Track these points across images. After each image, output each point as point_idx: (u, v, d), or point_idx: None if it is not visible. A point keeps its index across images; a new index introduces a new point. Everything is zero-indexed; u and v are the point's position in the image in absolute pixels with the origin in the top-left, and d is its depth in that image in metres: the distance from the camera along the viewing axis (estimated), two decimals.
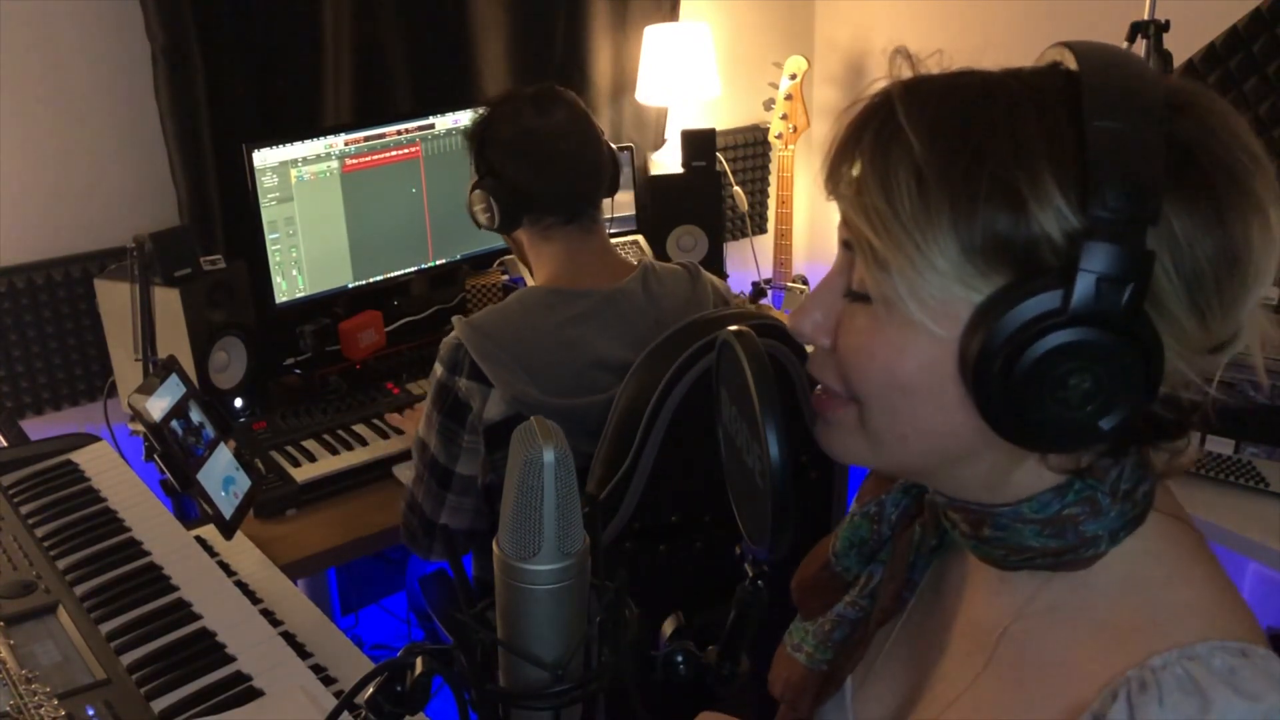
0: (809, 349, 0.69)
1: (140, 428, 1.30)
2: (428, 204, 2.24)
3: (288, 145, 2.00)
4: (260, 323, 2.03)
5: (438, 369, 1.56)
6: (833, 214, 0.65)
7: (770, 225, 2.89)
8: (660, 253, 2.56)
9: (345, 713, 0.69)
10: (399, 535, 1.72)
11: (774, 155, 2.72)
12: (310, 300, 2.12)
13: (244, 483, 1.39)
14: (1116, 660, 0.60)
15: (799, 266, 2.87)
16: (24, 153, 1.96)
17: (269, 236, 2.02)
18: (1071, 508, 0.62)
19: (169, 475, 1.30)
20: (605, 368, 1.55)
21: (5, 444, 1.68)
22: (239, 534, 1.38)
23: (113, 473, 1.55)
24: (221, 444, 1.37)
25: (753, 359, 0.66)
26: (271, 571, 1.43)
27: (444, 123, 2.22)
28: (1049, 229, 0.56)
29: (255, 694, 1.11)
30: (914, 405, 0.62)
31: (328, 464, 1.86)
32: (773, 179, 2.79)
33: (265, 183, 1.99)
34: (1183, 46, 2.07)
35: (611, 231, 2.40)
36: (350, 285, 2.17)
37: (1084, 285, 0.54)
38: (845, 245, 0.65)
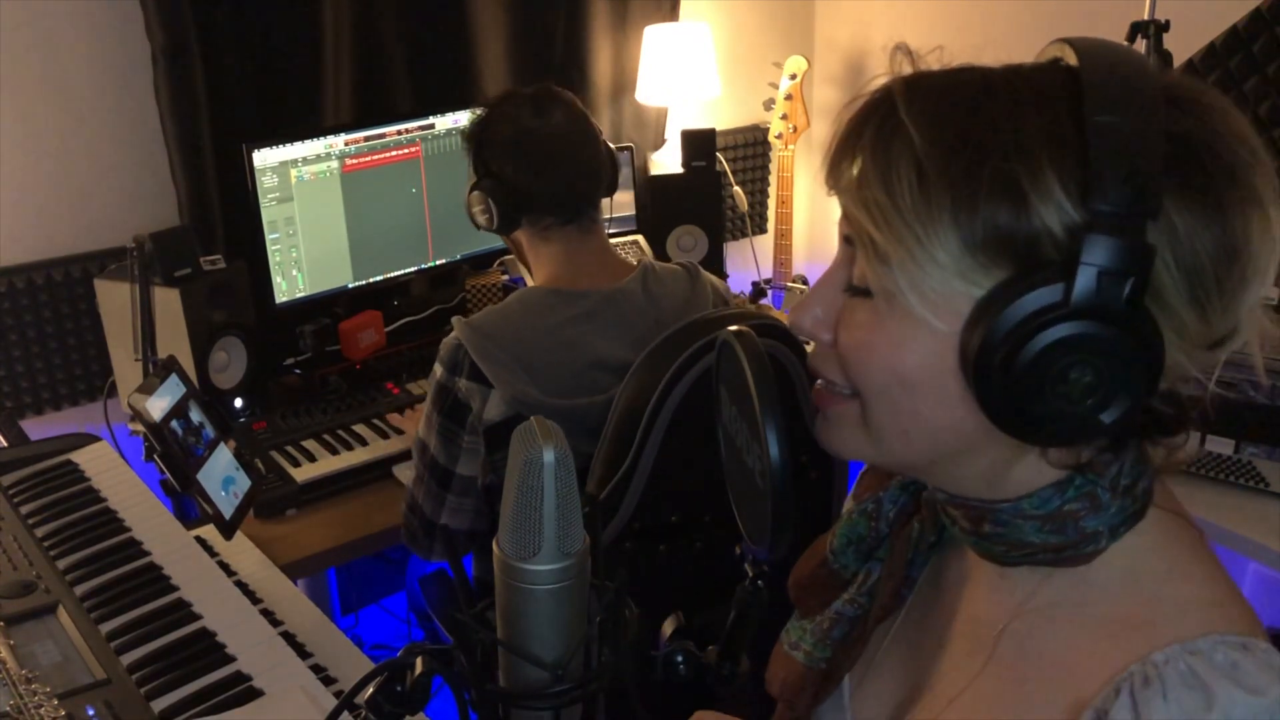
0: (808, 347, 0.69)
1: (140, 428, 1.30)
2: (428, 204, 2.24)
3: (288, 145, 2.00)
4: (260, 323, 2.03)
5: (437, 370, 1.56)
6: (832, 214, 0.65)
7: (770, 225, 2.89)
8: (660, 253, 2.56)
9: (345, 713, 0.69)
10: (399, 535, 1.72)
11: (774, 155, 2.72)
12: (310, 300, 2.12)
13: (244, 483, 1.39)
14: (1118, 656, 0.60)
15: (799, 266, 2.87)
16: (24, 153, 1.96)
17: (269, 236, 2.02)
18: (1072, 503, 0.63)
19: (169, 475, 1.30)
20: (605, 368, 1.55)
21: (5, 444, 1.68)
22: (239, 534, 1.38)
23: (113, 473, 1.55)
24: (221, 444, 1.37)
25: (753, 359, 0.66)
26: (271, 571, 1.43)
27: (444, 123, 2.22)
28: (1050, 223, 0.56)
29: (255, 694, 1.11)
30: (915, 400, 0.62)
31: (328, 464, 1.86)
32: (773, 179, 2.79)
33: (265, 183, 1.99)
34: (1183, 46, 2.07)
35: (611, 231, 2.40)
36: (350, 285, 2.18)
37: (1085, 278, 0.54)
38: (846, 240, 0.65)
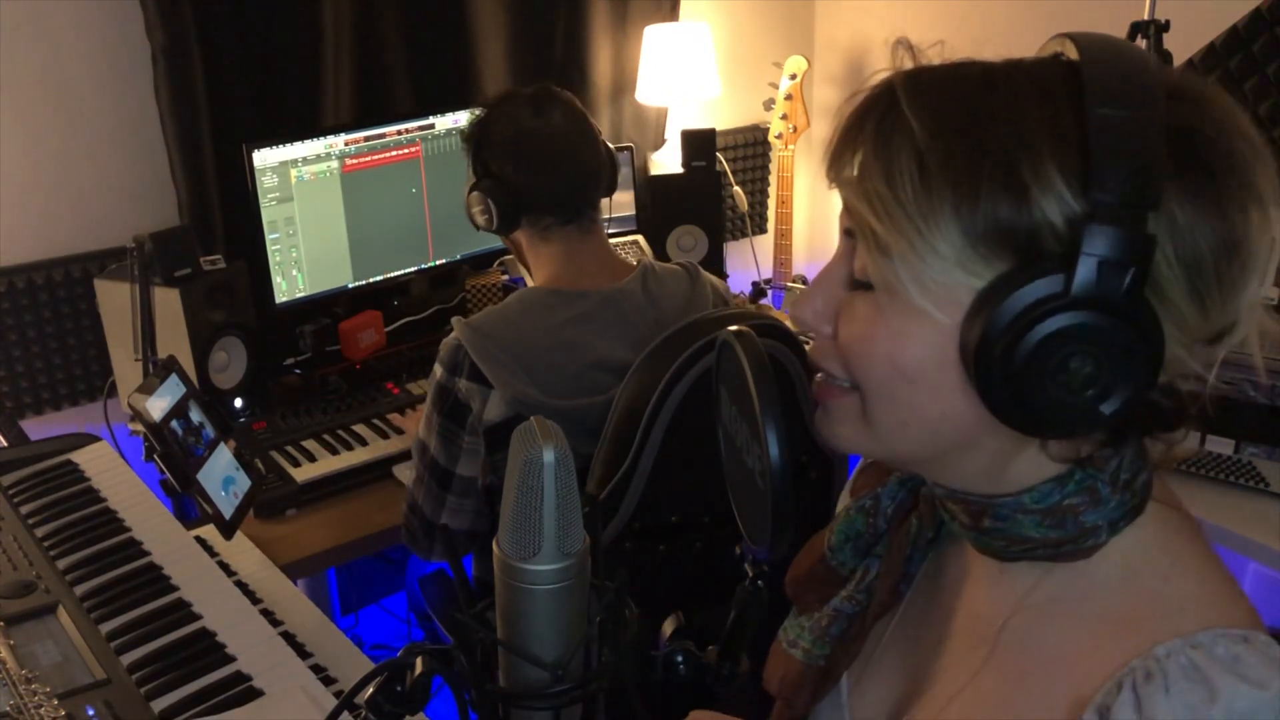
0: (808, 345, 0.69)
1: (140, 428, 1.30)
2: (428, 204, 2.24)
3: (288, 145, 2.00)
4: (260, 323, 2.03)
5: (437, 370, 1.56)
6: (832, 215, 0.65)
7: (770, 225, 2.89)
8: (660, 253, 2.56)
9: (345, 713, 0.69)
10: (399, 535, 1.72)
11: (774, 155, 2.72)
12: (310, 300, 2.12)
13: (244, 483, 1.39)
14: (1119, 651, 0.60)
15: (799, 266, 2.87)
16: (24, 152, 1.96)
17: (269, 236, 2.02)
18: (1072, 498, 0.63)
19: (169, 475, 1.30)
20: (605, 368, 1.55)
21: (5, 444, 1.68)
22: (239, 534, 1.39)
23: (113, 473, 1.55)
24: (221, 444, 1.37)
25: (753, 359, 0.66)
26: (271, 571, 1.43)
27: (444, 123, 2.22)
28: (1051, 215, 0.56)
29: (255, 694, 1.11)
30: (915, 392, 0.62)
31: (328, 464, 1.86)
32: (773, 179, 2.79)
33: (265, 183, 1.99)
34: (1183, 46, 2.07)
35: (611, 231, 2.41)
36: (350, 285, 2.17)
37: (1086, 269, 0.54)
38: (847, 233, 0.65)
